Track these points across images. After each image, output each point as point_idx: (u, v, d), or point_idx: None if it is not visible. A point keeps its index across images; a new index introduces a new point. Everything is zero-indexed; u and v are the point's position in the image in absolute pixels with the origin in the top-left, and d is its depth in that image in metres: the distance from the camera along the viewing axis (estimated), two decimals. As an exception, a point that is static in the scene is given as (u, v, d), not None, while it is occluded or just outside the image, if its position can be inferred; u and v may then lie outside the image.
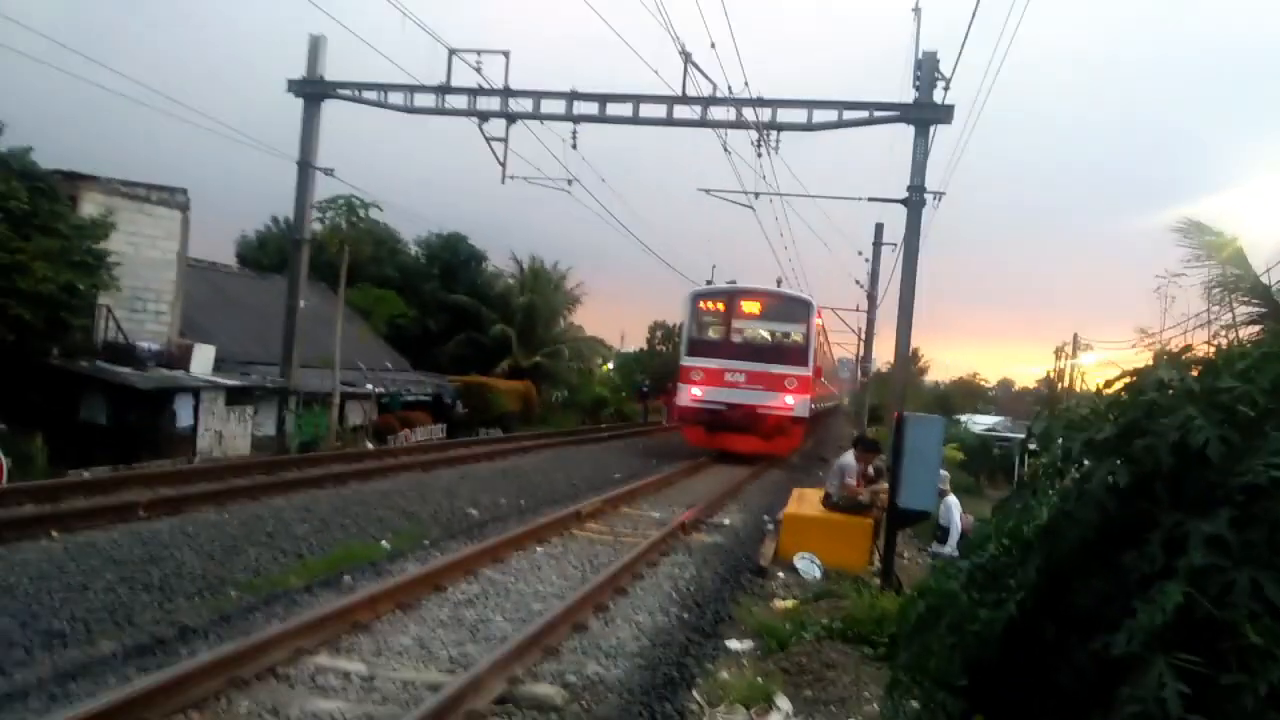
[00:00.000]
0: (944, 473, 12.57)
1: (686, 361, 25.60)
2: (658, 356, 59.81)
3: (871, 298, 39.85)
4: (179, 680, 6.13)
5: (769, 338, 26.23)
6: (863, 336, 45.44)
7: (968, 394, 63.59)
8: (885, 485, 12.22)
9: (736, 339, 25.76)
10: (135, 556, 9.94)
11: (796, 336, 25.66)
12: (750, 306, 26.04)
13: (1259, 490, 3.16)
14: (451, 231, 42.97)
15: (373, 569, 10.39)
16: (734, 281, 27.98)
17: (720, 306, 26.03)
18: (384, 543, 12.03)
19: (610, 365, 58.86)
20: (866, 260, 38.06)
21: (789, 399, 24.65)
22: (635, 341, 65.87)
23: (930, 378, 76.73)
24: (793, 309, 26.11)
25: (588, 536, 13.39)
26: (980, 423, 40.46)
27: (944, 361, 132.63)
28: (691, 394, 25.03)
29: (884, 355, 49.47)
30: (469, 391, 31.65)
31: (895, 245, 27.42)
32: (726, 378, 24.86)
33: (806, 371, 25.03)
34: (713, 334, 25.92)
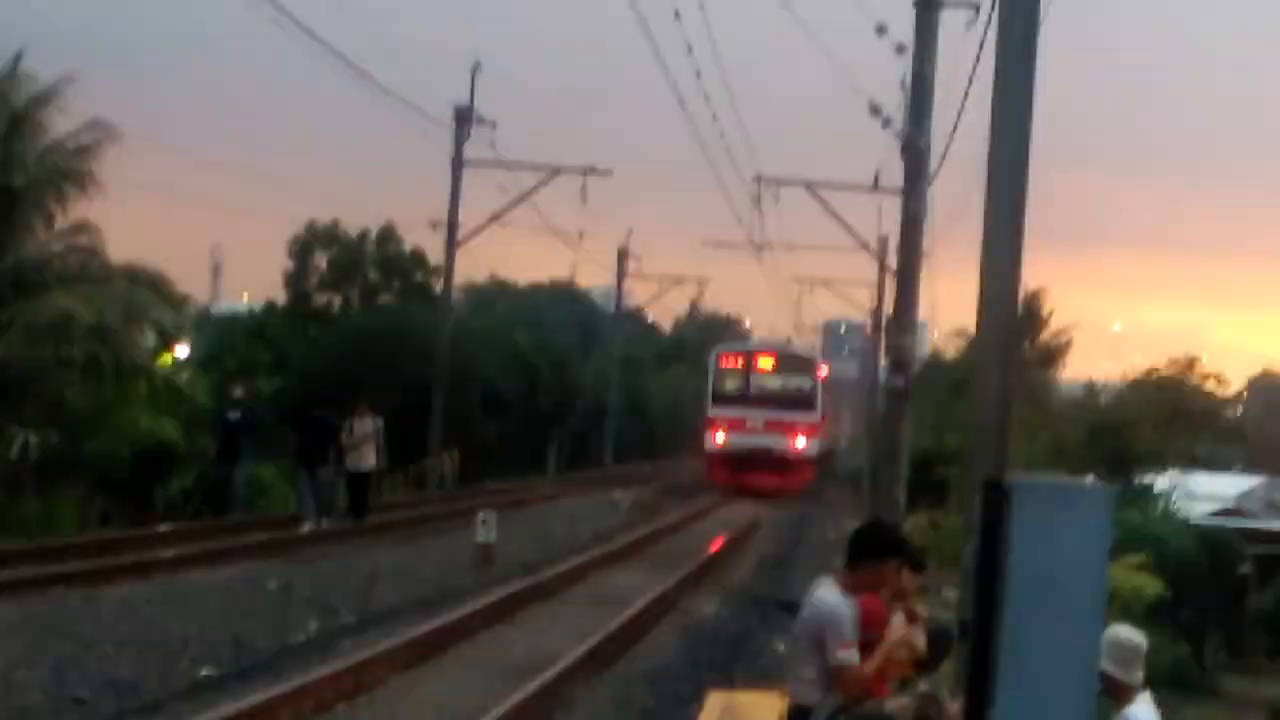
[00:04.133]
0: (1125, 634, 4.46)
1: (712, 412, 31.16)
2: (324, 322, 28.85)
3: (913, 154, 15.05)
4: None
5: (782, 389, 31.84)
6: (886, 261, 23.08)
7: (1172, 414, 30.83)
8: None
9: (754, 391, 31.44)
10: None
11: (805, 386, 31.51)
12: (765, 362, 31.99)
13: None
14: None
15: None
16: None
17: (740, 363, 31.99)
18: None
19: (182, 351, 22.33)
20: (901, 50, 15.11)
21: (800, 441, 30.55)
22: (257, 281, 34.47)
23: (1072, 373, 38.56)
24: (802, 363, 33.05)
25: None
26: (1207, 493, 20.81)
27: (1105, 323, 68.34)
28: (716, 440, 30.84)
29: (948, 317, 24.25)
30: None
31: (974, 9, 13.63)
32: (748, 424, 30.66)
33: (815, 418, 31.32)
34: (731, 386, 31.46)
